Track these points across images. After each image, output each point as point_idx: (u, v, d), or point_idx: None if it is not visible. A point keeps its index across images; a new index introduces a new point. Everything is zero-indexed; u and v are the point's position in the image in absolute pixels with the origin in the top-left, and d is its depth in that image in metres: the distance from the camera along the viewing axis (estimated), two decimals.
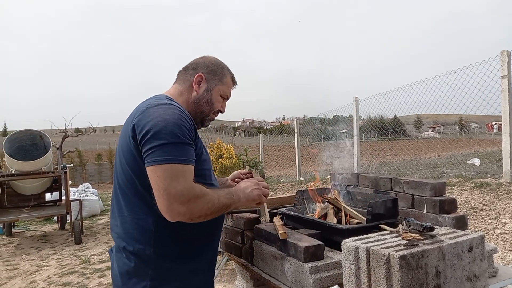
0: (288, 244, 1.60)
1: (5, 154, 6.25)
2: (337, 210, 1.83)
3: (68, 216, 6.64)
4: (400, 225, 1.42)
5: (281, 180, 11.92)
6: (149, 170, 1.23)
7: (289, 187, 9.09)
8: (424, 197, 1.70)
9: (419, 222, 1.38)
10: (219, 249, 4.54)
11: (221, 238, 2.33)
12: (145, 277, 1.32)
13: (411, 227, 1.38)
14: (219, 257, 5.11)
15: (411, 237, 1.31)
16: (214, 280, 4.40)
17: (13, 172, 6.37)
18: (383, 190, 1.91)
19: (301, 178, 10.95)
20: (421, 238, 1.31)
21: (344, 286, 1.37)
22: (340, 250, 1.60)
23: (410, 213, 1.75)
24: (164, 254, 1.34)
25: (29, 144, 6.72)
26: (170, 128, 1.25)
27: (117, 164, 1.39)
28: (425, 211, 1.70)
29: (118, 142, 1.43)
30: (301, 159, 11.96)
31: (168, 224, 1.25)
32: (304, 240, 1.60)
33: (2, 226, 7.11)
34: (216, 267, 4.57)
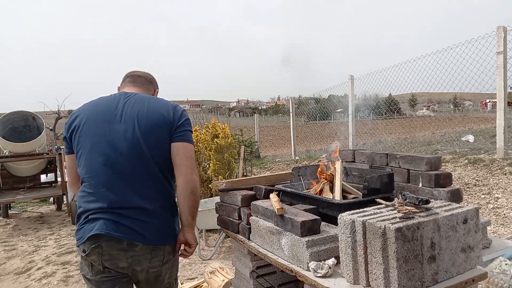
0: (285, 219, 1.62)
1: None
2: (333, 186, 1.84)
3: (64, 197, 6.64)
4: (395, 199, 1.43)
5: (277, 160, 11.97)
6: (180, 144, 1.71)
7: (285, 166, 9.14)
8: (420, 172, 1.71)
9: (414, 196, 1.39)
10: (216, 228, 4.50)
11: (217, 215, 2.35)
12: (176, 213, 1.79)
13: (407, 200, 1.39)
14: (216, 235, 5.17)
15: (407, 210, 1.32)
16: (212, 258, 4.39)
17: (7, 154, 6.33)
18: (379, 166, 1.91)
19: (297, 157, 11.00)
20: (416, 211, 1.32)
21: (340, 258, 1.39)
22: (336, 225, 1.62)
23: (405, 187, 1.77)
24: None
25: (22, 126, 6.64)
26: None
27: (148, 143, 1.68)
28: (420, 185, 1.71)
29: (137, 125, 1.70)
30: (296, 138, 11.97)
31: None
32: (301, 215, 1.61)
33: None
34: (213, 245, 4.62)
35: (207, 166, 6.19)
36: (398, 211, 1.34)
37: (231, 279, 3.22)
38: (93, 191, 1.66)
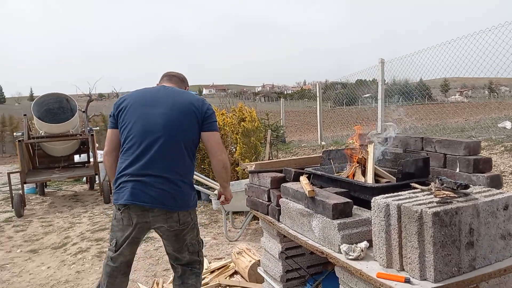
0: (316, 202, 1.61)
1: (34, 117, 6.44)
2: (365, 169, 1.82)
3: (97, 177, 6.88)
4: (432, 183, 1.40)
5: (302, 145, 11.90)
6: (210, 133, 2.20)
7: (311, 151, 9.07)
8: (457, 156, 1.66)
9: (452, 180, 1.35)
10: (242, 210, 4.73)
11: (247, 196, 2.37)
12: (192, 188, 2.20)
13: (444, 185, 1.35)
14: (242, 217, 5.24)
15: (445, 195, 1.29)
16: (238, 240, 4.45)
17: (42, 134, 6.60)
18: (413, 150, 1.87)
19: (323, 143, 10.90)
20: (454, 195, 1.29)
21: (373, 242, 1.38)
22: (368, 209, 1.60)
23: (441, 172, 1.72)
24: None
25: (56, 107, 6.88)
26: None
27: (178, 126, 2.11)
28: (457, 170, 1.66)
29: (172, 110, 2.15)
30: (323, 124, 11.81)
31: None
32: (332, 197, 1.60)
33: (35, 186, 7.46)
34: (239, 227, 4.69)
35: (234, 149, 6.24)
36: (435, 196, 1.30)
37: (258, 260, 3.27)
38: (129, 159, 2.09)
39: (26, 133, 6.38)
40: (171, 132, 2.09)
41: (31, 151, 7.00)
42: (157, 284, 3.33)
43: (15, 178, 7.88)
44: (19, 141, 6.24)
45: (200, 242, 2.35)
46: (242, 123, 5.74)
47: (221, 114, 6.55)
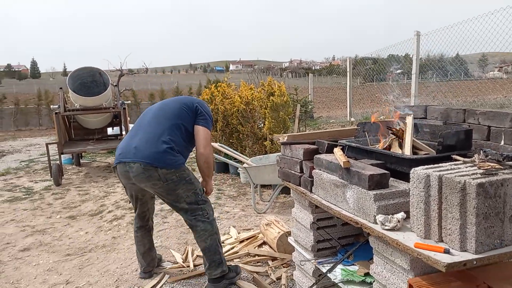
0: (351, 173, 1.60)
1: (69, 90, 6.65)
2: (402, 142, 1.78)
3: None
4: (476, 155, 1.35)
5: (331, 121, 11.75)
6: (200, 128, 2.72)
7: (339, 127, 8.95)
8: (503, 129, 1.59)
9: (497, 152, 1.30)
10: (270, 183, 5.06)
11: (278, 168, 2.37)
12: (178, 156, 2.65)
13: (489, 156, 1.31)
14: (270, 191, 5.29)
15: (489, 166, 1.24)
16: (266, 212, 4.54)
17: (77, 107, 6.82)
18: (455, 122, 1.80)
19: (352, 119, 10.71)
20: (500, 167, 1.24)
21: (410, 213, 1.36)
22: (405, 181, 1.58)
23: (484, 145, 1.66)
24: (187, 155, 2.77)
25: (89, 81, 7.06)
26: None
27: (180, 114, 2.73)
28: (502, 143, 1.59)
29: (177, 105, 2.82)
30: (352, 100, 11.56)
31: (187, 146, 2.75)
32: (368, 169, 1.58)
33: (71, 156, 7.79)
34: (267, 200, 4.75)
35: (262, 124, 6.24)
36: (479, 167, 1.26)
37: (286, 232, 3.31)
38: (131, 133, 2.76)
39: (62, 105, 6.61)
40: (174, 116, 2.69)
41: (67, 123, 7.26)
42: (188, 251, 3.45)
43: (53, 150, 8.26)
44: (56, 113, 6.49)
45: (198, 193, 2.69)
46: (271, 97, 5.70)
47: (250, 89, 6.53)
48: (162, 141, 2.56)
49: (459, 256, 1.14)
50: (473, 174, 1.23)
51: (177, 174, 2.57)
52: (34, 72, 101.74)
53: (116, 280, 3.04)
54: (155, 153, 2.53)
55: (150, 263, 3.06)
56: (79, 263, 3.39)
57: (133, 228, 3.03)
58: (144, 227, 2.99)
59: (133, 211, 4.70)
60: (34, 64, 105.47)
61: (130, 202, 2.95)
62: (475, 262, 1.13)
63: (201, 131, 2.71)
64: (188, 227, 3.73)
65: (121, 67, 8.78)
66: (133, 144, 2.62)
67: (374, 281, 1.53)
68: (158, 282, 2.96)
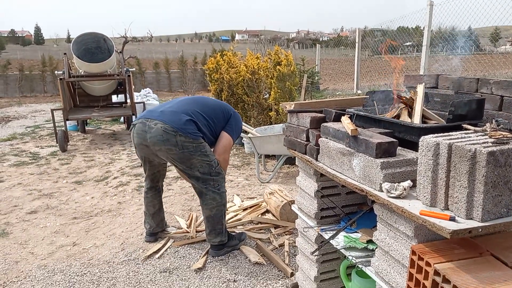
0: (359, 141, 1.58)
1: (73, 55, 6.58)
2: (412, 111, 1.74)
3: (134, 117, 7.09)
4: (488, 124, 1.32)
5: (337, 93, 11.61)
6: (226, 133, 2.86)
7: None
8: None
9: (510, 121, 1.27)
10: (274, 154, 5.18)
11: (284, 136, 2.36)
12: (199, 132, 2.70)
13: (501, 126, 1.28)
14: (273, 161, 5.31)
15: (501, 135, 1.22)
16: (270, 182, 4.57)
17: (82, 73, 6.76)
18: (467, 92, 1.76)
19: (359, 92, 10.57)
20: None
21: (417, 181, 1.35)
22: (414, 150, 1.56)
23: (496, 115, 1.62)
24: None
25: (94, 47, 6.97)
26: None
27: (214, 108, 2.87)
28: None
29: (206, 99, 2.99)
30: (359, 72, 11.36)
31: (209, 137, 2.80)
32: (376, 137, 1.56)
33: (76, 123, 7.81)
34: (271, 170, 4.77)
35: (267, 95, 6.18)
36: (490, 136, 1.24)
37: (289, 201, 3.35)
38: (160, 105, 2.87)
39: (67, 71, 6.56)
40: (209, 111, 2.81)
41: (72, 89, 7.23)
42: (193, 217, 3.51)
43: (58, 116, 8.28)
44: (60, 79, 6.45)
45: (213, 165, 2.70)
46: (278, 67, 5.61)
47: (256, 58, 6.42)
48: (187, 117, 2.64)
49: (464, 224, 1.14)
50: (483, 142, 1.20)
51: (194, 144, 2.60)
52: (38, 38, 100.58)
53: (122, 243, 3.11)
54: (178, 120, 2.60)
55: (160, 223, 3.13)
56: (86, 226, 3.47)
57: (143, 189, 3.08)
58: (154, 188, 3.04)
59: (138, 177, 4.76)
60: (38, 30, 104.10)
61: (141, 165, 3.13)
62: (480, 230, 1.13)
63: (224, 138, 2.82)
64: (193, 194, 3.80)
65: (125, 34, 8.63)
66: (159, 109, 2.72)
67: (376, 248, 1.54)
68: (163, 246, 3.03)
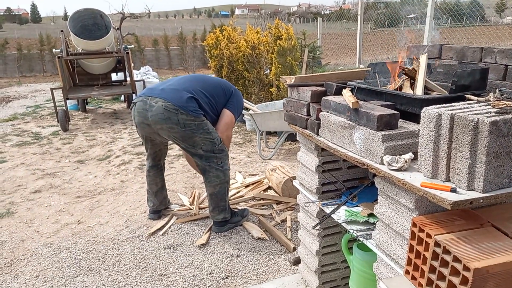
0: (360, 113, 1.56)
1: (70, 33, 6.47)
2: (414, 82, 1.71)
3: (134, 95, 7.04)
4: (491, 94, 1.30)
5: (339, 68, 11.47)
6: (227, 110, 2.86)
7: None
8: None
9: None
10: (276, 130, 5.23)
11: (285, 111, 2.33)
12: (199, 108, 2.68)
13: (505, 95, 1.25)
14: (275, 138, 5.30)
15: (504, 105, 1.19)
16: (271, 159, 4.58)
17: (80, 51, 6.67)
18: (470, 62, 1.72)
19: (361, 66, 10.43)
20: None
21: (418, 154, 1.34)
22: (416, 123, 1.54)
23: (499, 85, 1.59)
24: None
25: (91, 24, 6.85)
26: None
27: (214, 85, 2.85)
28: None
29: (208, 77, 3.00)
30: (362, 47, 11.16)
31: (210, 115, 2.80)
32: (377, 109, 1.53)
33: (77, 102, 7.78)
34: (273, 147, 4.76)
35: (268, 70, 6.10)
36: (493, 106, 1.21)
37: (291, 177, 3.35)
38: (160, 83, 2.84)
39: (65, 49, 6.47)
40: (210, 87, 2.80)
41: (71, 68, 7.16)
42: (195, 194, 3.53)
43: (58, 96, 8.23)
44: (58, 57, 6.37)
45: (216, 143, 2.69)
46: (278, 41, 5.51)
47: (256, 32, 6.30)
48: (188, 95, 2.61)
49: (466, 195, 1.13)
50: (486, 112, 1.18)
51: (196, 122, 2.59)
52: (35, 16, 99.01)
53: (126, 221, 3.15)
54: (179, 98, 2.58)
55: (163, 201, 3.16)
56: (89, 205, 3.50)
57: (146, 168, 3.09)
58: (156, 166, 3.05)
59: (140, 156, 4.77)
60: (34, 7, 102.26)
61: (142, 143, 3.15)
62: (481, 201, 1.12)
63: (226, 115, 2.82)
64: (195, 172, 3.81)
65: (122, 10, 8.46)
66: (160, 87, 2.70)
67: (377, 221, 1.55)
68: (166, 223, 3.06)
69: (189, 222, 3.07)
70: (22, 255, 2.71)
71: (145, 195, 3.35)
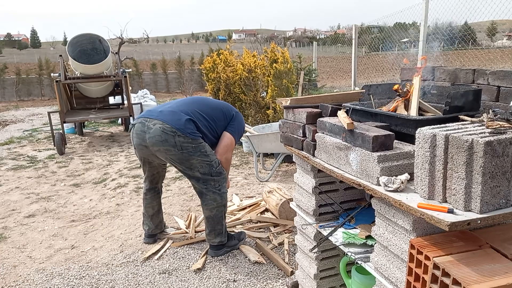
0: (355, 134, 1.56)
1: (69, 57, 6.54)
2: (408, 103, 1.73)
3: (131, 118, 7.06)
4: (484, 114, 1.31)
5: (335, 90, 11.60)
6: (227, 133, 2.84)
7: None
8: None
9: (506, 111, 1.26)
10: (272, 152, 5.14)
11: (281, 132, 2.34)
12: (196, 132, 2.65)
13: (498, 116, 1.26)
14: (272, 160, 5.29)
15: (498, 125, 1.20)
16: (268, 180, 4.54)
17: (78, 75, 6.73)
18: (463, 83, 1.74)
19: (356, 89, 10.56)
20: (509, 126, 1.20)
21: (414, 174, 1.34)
22: (411, 143, 1.54)
23: (493, 106, 1.61)
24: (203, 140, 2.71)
25: (89, 49, 6.94)
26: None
27: (214, 108, 2.85)
28: None
29: (208, 100, 2.97)
30: (356, 69, 11.33)
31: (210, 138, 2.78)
32: (372, 130, 1.54)
33: (74, 126, 7.78)
34: (270, 169, 4.75)
35: (264, 93, 6.16)
36: (487, 127, 1.22)
37: (288, 199, 3.33)
38: (160, 105, 2.86)
39: (63, 73, 6.53)
40: (209, 111, 2.79)
41: (69, 92, 7.20)
42: (191, 217, 3.49)
43: (55, 119, 8.24)
44: (56, 81, 6.42)
45: (213, 165, 2.67)
46: (274, 64, 5.59)
47: (252, 56, 6.40)
48: (186, 117, 2.62)
49: (463, 216, 1.12)
50: (481, 133, 1.19)
51: (193, 144, 2.57)
52: (35, 41, 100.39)
53: (121, 245, 3.09)
54: (177, 120, 2.58)
55: (158, 225, 3.11)
56: (84, 229, 3.44)
57: (143, 191, 3.05)
58: (153, 189, 3.02)
59: (136, 179, 4.74)
60: (34, 33, 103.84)
61: (140, 166, 3.13)
62: (479, 221, 1.11)
63: (226, 138, 2.81)
64: (192, 194, 3.78)
65: (121, 35, 8.60)
66: (158, 109, 2.71)
67: (375, 243, 1.53)
68: (162, 247, 3.01)
69: (185, 246, 3.01)
70: (14, 281, 2.64)
71: (140, 219, 3.30)
